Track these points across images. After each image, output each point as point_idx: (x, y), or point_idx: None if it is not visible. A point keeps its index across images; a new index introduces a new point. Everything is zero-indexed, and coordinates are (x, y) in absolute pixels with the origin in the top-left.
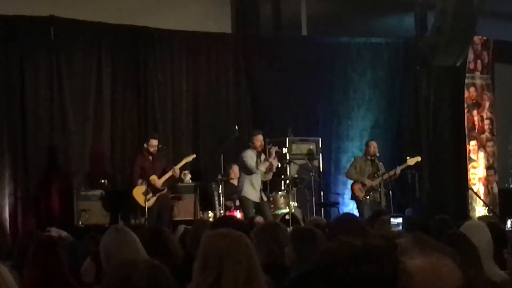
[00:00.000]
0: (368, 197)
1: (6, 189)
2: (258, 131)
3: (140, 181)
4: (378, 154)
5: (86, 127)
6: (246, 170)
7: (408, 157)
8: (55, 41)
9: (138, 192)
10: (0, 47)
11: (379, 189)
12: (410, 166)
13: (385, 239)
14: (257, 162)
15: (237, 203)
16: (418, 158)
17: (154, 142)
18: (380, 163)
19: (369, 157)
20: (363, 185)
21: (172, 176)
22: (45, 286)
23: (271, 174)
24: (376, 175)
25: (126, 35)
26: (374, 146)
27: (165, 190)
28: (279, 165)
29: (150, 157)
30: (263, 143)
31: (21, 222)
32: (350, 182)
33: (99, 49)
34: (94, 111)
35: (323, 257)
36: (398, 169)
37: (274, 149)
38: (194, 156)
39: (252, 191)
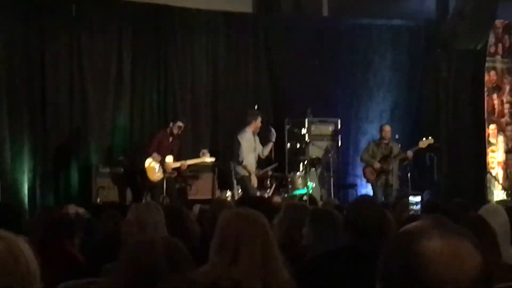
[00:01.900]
0: (379, 180)
1: (25, 165)
2: (259, 113)
3: (157, 155)
4: (397, 136)
5: (105, 105)
6: (235, 153)
7: (420, 140)
8: (76, 18)
9: (151, 165)
10: (21, 24)
11: (391, 172)
12: (422, 148)
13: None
14: (252, 144)
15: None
16: (431, 140)
17: (181, 124)
18: (396, 146)
19: (383, 141)
20: (373, 168)
21: (179, 168)
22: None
23: (268, 149)
24: (387, 158)
25: (147, 13)
26: (387, 130)
27: (175, 175)
28: (298, 145)
29: (171, 138)
30: (259, 126)
31: (39, 198)
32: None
33: (120, 27)
34: (114, 89)
35: None
36: (410, 153)
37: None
38: (213, 160)
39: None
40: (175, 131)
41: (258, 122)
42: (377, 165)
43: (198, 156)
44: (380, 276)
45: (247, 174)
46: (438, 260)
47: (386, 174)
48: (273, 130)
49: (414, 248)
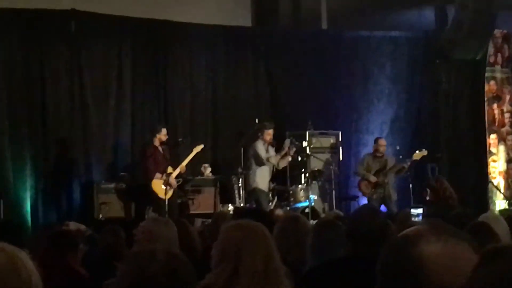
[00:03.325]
0: (375, 194)
1: (27, 182)
2: (271, 124)
3: (159, 175)
4: (398, 148)
5: (106, 120)
6: (257, 161)
7: (417, 151)
8: (75, 34)
9: (158, 185)
10: (22, 40)
11: (387, 185)
12: (416, 160)
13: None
14: (267, 153)
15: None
16: (424, 152)
17: (165, 131)
18: (391, 158)
19: (377, 154)
20: (369, 182)
21: (180, 173)
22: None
23: (285, 161)
24: (383, 171)
25: (146, 28)
26: (382, 143)
27: (180, 182)
28: (299, 158)
29: (161, 148)
30: (272, 137)
31: (42, 215)
32: None
33: (119, 42)
34: (114, 104)
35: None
36: (406, 163)
37: (288, 141)
38: (202, 146)
39: (264, 181)
40: (164, 138)
41: (267, 135)
42: (372, 178)
43: (199, 172)
44: (379, 280)
45: (259, 186)
46: (437, 263)
47: (382, 188)
48: (291, 144)
49: (413, 251)
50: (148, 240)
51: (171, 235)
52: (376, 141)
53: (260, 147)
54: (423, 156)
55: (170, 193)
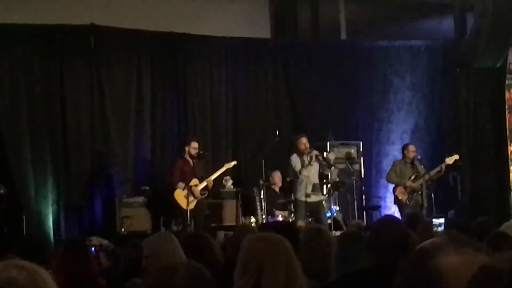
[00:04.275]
0: (411, 201)
1: (49, 197)
2: (301, 134)
3: (182, 184)
4: (419, 157)
5: (127, 134)
6: (293, 174)
7: (446, 157)
8: (95, 49)
9: (180, 195)
10: (42, 56)
11: (421, 191)
12: (449, 164)
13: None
14: (302, 165)
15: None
16: (456, 156)
17: (195, 144)
18: (421, 166)
19: (407, 160)
20: (405, 187)
21: (206, 186)
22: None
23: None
24: (416, 177)
25: (165, 42)
26: (412, 149)
27: (206, 195)
28: (321, 169)
29: (191, 161)
30: (307, 145)
31: (64, 230)
32: (391, 185)
33: (138, 56)
34: (134, 118)
35: None
36: (442, 167)
37: (314, 153)
38: (235, 162)
39: (304, 194)
40: (193, 152)
41: (301, 144)
42: (409, 183)
43: (221, 184)
44: None
45: (298, 197)
46: (455, 275)
47: (416, 194)
48: (312, 153)
49: (431, 264)
50: (153, 256)
51: (171, 248)
52: (405, 147)
53: (294, 160)
54: (455, 160)
55: (192, 204)
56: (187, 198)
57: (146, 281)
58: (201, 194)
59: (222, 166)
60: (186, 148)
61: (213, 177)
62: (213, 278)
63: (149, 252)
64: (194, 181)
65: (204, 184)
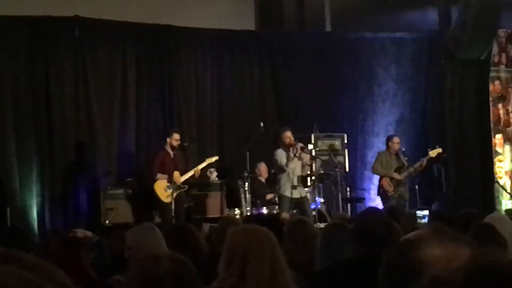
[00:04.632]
0: (396, 192)
1: (34, 189)
2: (285, 127)
3: (163, 176)
4: (403, 149)
5: (111, 126)
6: (278, 169)
7: (429, 150)
8: (80, 40)
9: (160, 187)
10: (26, 47)
11: (405, 184)
12: (432, 158)
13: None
14: (287, 158)
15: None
16: (439, 150)
17: (177, 136)
18: (406, 158)
19: (393, 152)
20: (391, 179)
21: (193, 176)
22: None
23: (307, 168)
24: (402, 169)
25: (150, 34)
26: (396, 141)
27: (186, 188)
28: (312, 161)
29: (172, 153)
30: (292, 138)
31: (48, 222)
32: (376, 177)
33: (123, 48)
34: (119, 109)
35: None
36: (424, 160)
37: (299, 145)
38: (217, 158)
39: (289, 188)
40: (175, 143)
41: (285, 138)
42: (396, 175)
43: (205, 175)
44: (382, 283)
45: (282, 192)
46: (438, 267)
47: (402, 186)
48: (297, 145)
49: (415, 255)
50: (136, 247)
51: (153, 239)
52: (390, 139)
53: (279, 154)
54: (438, 154)
55: (173, 195)
56: (165, 190)
57: (129, 272)
58: (182, 187)
59: (205, 159)
60: (168, 140)
61: (199, 167)
62: (197, 269)
63: (132, 243)
64: (176, 173)
65: (191, 173)
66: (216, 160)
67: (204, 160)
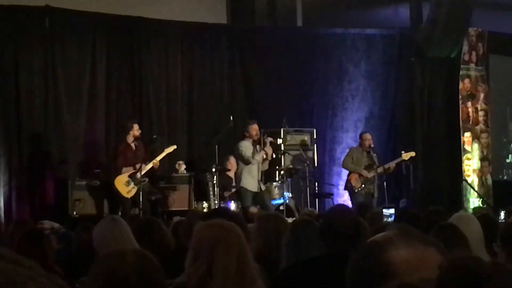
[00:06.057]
0: (363, 189)
1: (1, 178)
2: (253, 120)
3: (128, 169)
4: (372, 145)
5: (80, 117)
6: (242, 161)
7: (403, 152)
8: (50, 31)
9: (120, 183)
10: None
11: (374, 181)
12: (404, 160)
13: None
14: (253, 152)
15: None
16: (413, 153)
17: (137, 126)
18: (375, 155)
19: (364, 149)
20: (360, 175)
21: (152, 168)
22: None
23: (267, 163)
24: (372, 167)
25: (120, 25)
26: (368, 138)
27: (146, 181)
28: (274, 155)
29: (133, 145)
30: (258, 132)
31: (15, 212)
32: (344, 172)
33: (93, 39)
34: (88, 100)
35: None
36: (393, 163)
37: (268, 140)
38: (175, 147)
39: (250, 181)
40: (137, 133)
41: (252, 130)
42: (365, 173)
43: (174, 168)
44: (349, 284)
45: (245, 186)
46: (405, 268)
47: (369, 183)
48: (266, 139)
49: (382, 256)
50: (104, 242)
51: (121, 233)
52: (362, 135)
53: (245, 146)
54: (411, 157)
55: (133, 191)
56: (126, 185)
57: (94, 267)
58: (142, 181)
59: (174, 168)
60: (130, 132)
61: (158, 159)
62: (163, 264)
63: (95, 238)
64: (138, 166)
65: (150, 165)
66: (174, 149)
67: (174, 168)
